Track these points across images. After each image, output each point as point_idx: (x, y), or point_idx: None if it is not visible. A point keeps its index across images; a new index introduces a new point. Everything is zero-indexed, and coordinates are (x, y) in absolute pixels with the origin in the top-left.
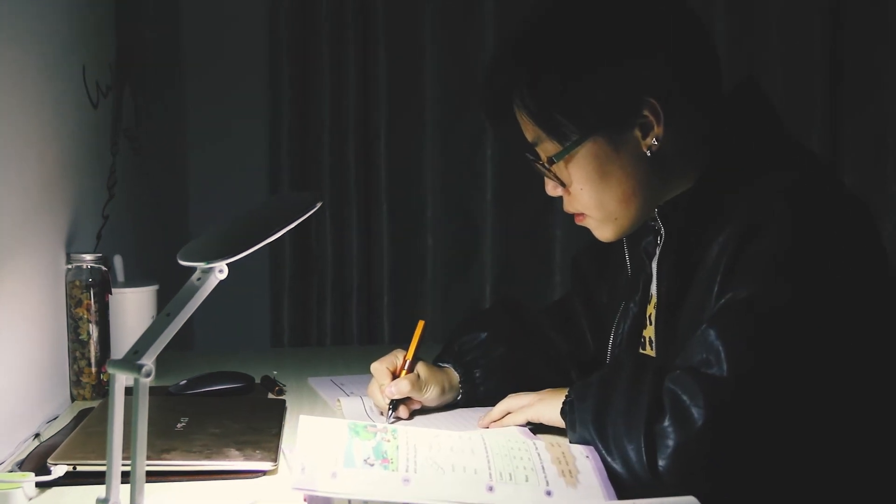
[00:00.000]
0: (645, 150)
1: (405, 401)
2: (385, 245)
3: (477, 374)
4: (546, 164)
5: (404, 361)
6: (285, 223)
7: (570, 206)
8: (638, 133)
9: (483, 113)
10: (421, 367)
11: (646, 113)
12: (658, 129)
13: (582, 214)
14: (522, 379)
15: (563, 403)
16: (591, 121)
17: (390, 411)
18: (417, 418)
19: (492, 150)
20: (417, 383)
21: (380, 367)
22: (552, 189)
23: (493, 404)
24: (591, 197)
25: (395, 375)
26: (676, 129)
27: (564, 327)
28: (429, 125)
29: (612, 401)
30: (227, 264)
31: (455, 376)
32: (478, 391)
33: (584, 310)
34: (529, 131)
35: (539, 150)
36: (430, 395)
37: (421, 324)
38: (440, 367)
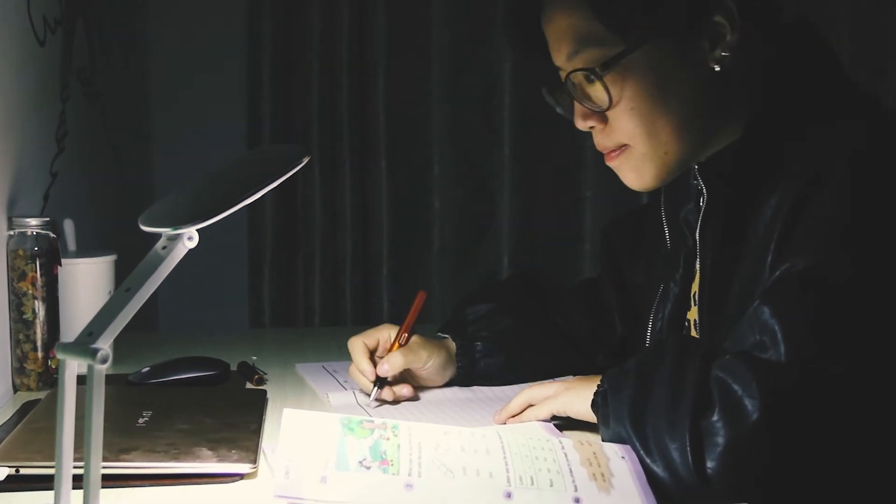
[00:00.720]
0: (712, 64)
1: (395, 382)
2: (384, 208)
3: (477, 348)
4: (597, 73)
5: (399, 335)
6: (266, 182)
7: (607, 139)
8: (706, 42)
9: (506, 25)
10: (417, 340)
11: (718, 18)
12: (731, 38)
13: (621, 148)
14: (533, 359)
15: (595, 394)
16: (659, 16)
17: (375, 391)
18: (421, 410)
19: (510, 96)
20: (410, 357)
21: (356, 344)
22: (583, 120)
23: (494, 384)
24: (642, 119)
25: (373, 359)
26: (744, 48)
27: (591, 307)
28: (435, 64)
29: (653, 391)
30: (197, 230)
31: (453, 349)
32: (476, 367)
33: (614, 291)
34: (570, 38)
35: (580, 60)
36: (432, 368)
37: (421, 295)
38: (440, 338)
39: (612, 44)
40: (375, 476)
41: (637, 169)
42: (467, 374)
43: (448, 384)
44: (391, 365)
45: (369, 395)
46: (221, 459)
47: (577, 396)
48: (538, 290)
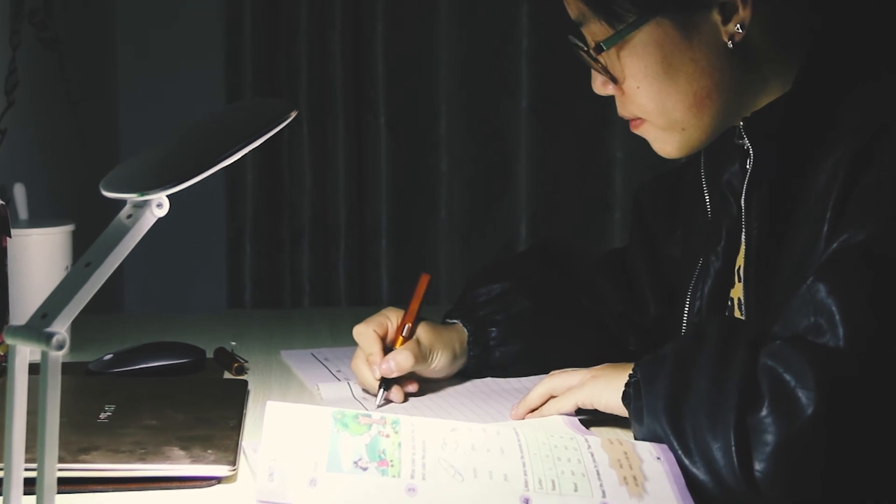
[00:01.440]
0: (726, 39)
1: (401, 379)
2: (382, 171)
3: (492, 334)
4: (593, 53)
5: (402, 324)
6: (247, 140)
7: (623, 109)
8: (717, 16)
9: None
10: (423, 330)
11: None
12: (744, 13)
13: (639, 119)
14: (556, 347)
15: (626, 385)
16: None
17: (382, 393)
18: (425, 403)
19: (529, 40)
20: (420, 353)
21: (366, 333)
22: (601, 86)
23: (510, 375)
24: (650, 98)
25: (386, 345)
26: (772, 9)
27: (620, 283)
28: (442, 4)
29: (692, 382)
30: (168, 196)
31: (464, 336)
32: (491, 356)
33: (646, 265)
34: (572, 5)
35: (585, 31)
36: (440, 364)
37: (424, 279)
38: (448, 324)
39: (615, 19)
40: (373, 479)
41: (659, 141)
42: (480, 364)
43: (458, 375)
44: (397, 364)
45: (375, 396)
46: (195, 460)
47: (605, 387)
48: (559, 263)
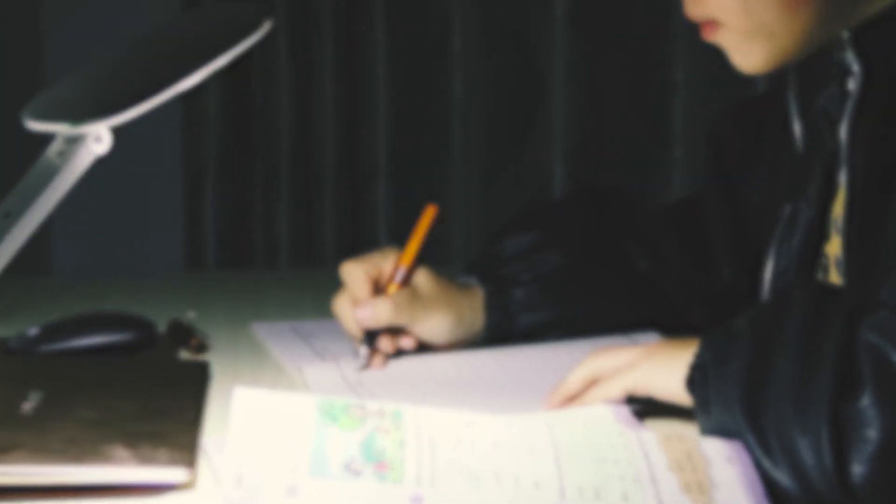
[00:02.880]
0: None
1: (394, 332)
2: (380, 96)
3: (515, 297)
4: None
5: (396, 267)
6: (210, 57)
7: (696, 7)
8: None
9: None
10: (423, 278)
11: None
12: None
13: (715, 23)
14: (598, 314)
15: (691, 367)
16: None
17: (365, 347)
18: (433, 388)
19: None
20: (411, 304)
21: (355, 272)
22: None
23: (541, 349)
24: None
25: (378, 291)
26: None
27: (686, 240)
28: None
29: (774, 364)
30: (109, 128)
31: (480, 298)
32: (514, 324)
33: (721, 216)
34: None
35: None
36: (436, 327)
37: (431, 210)
38: (461, 284)
39: None
40: (368, 485)
41: (740, 50)
42: (500, 333)
43: (474, 347)
44: (374, 313)
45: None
46: (144, 462)
47: (663, 369)
48: (611, 213)
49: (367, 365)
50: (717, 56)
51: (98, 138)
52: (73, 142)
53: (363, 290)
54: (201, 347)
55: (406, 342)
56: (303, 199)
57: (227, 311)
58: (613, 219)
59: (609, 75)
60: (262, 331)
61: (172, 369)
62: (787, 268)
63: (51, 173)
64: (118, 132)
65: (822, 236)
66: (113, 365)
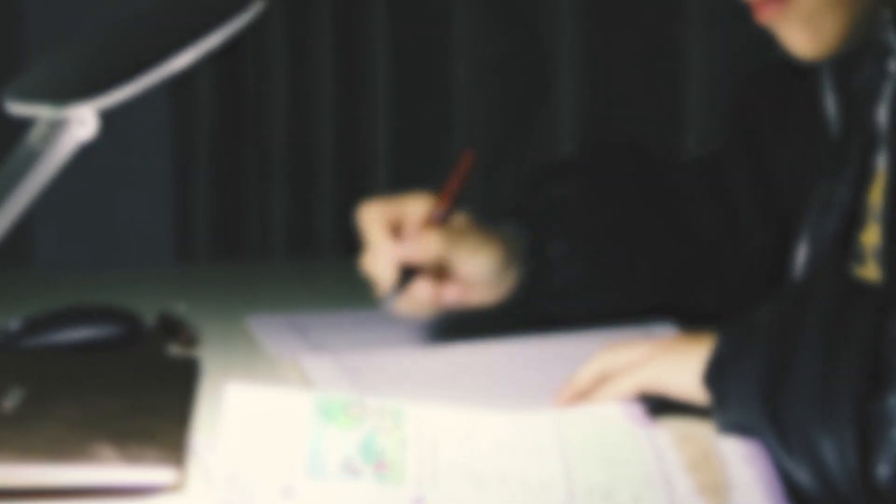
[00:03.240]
0: None
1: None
2: (380, 73)
3: (557, 246)
4: None
5: (437, 208)
6: (201, 37)
7: None
8: None
9: None
10: (462, 220)
11: None
12: None
13: (781, 2)
14: (636, 279)
15: (708, 362)
16: None
17: (398, 287)
18: (436, 382)
19: None
20: (457, 240)
21: (371, 215)
22: None
23: (575, 311)
24: None
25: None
26: None
27: (715, 195)
28: None
29: (797, 358)
30: (94, 112)
31: (519, 245)
32: (553, 278)
33: (746, 172)
34: None
35: None
36: (479, 265)
37: (469, 154)
38: (500, 231)
39: None
40: (367, 487)
41: (805, 29)
42: (536, 286)
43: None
44: (423, 246)
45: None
46: (131, 462)
47: (678, 364)
48: (648, 166)
49: (397, 309)
50: (732, 37)
51: (82, 122)
52: (56, 126)
53: (379, 234)
54: (192, 342)
55: (451, 292)
56: (299, 186)
57: (218, 303)
58: (649, 174)
59: (619, 58)
60: (256, 324)
61: (161, 365)
62: (819, 253)
63: (31, 160)
64: (104, 116)
65: (857, 223)
66: (98, 361)
